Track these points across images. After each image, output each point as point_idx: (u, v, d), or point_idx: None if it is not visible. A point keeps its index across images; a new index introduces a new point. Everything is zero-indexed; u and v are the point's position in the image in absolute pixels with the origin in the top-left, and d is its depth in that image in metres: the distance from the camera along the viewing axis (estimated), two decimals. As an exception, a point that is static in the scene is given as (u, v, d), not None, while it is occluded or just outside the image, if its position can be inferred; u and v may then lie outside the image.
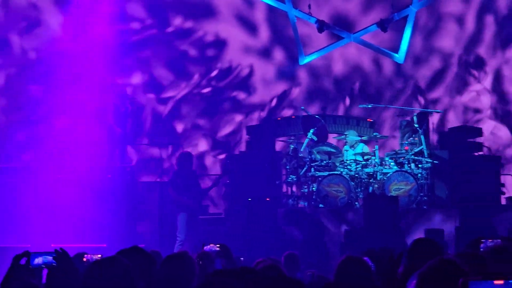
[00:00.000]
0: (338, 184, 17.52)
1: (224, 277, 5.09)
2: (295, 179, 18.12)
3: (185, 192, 16.33)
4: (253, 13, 22.30)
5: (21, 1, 21.13)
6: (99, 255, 7.81)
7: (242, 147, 20.37)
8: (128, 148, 19.50)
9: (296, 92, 22.31)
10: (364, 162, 17.94)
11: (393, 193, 17.28)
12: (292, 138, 18.63)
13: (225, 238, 15.78)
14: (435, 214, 17.34)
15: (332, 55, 22.43)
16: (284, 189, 18.58)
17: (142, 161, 20.90)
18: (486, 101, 22.27)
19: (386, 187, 17.45)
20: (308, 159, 17.97)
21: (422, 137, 18.05)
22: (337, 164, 18.01)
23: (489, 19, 22.27)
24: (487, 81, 22.28)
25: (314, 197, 17.63)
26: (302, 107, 19.71)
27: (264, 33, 22.38)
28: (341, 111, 22.02)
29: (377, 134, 19.09)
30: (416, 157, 17.95)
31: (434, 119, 20.94)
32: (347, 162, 17.94)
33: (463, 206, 17.22)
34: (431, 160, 18.01)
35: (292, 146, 18.32)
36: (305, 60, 22.17)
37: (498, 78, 22.33)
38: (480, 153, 18.67)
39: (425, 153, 18.01)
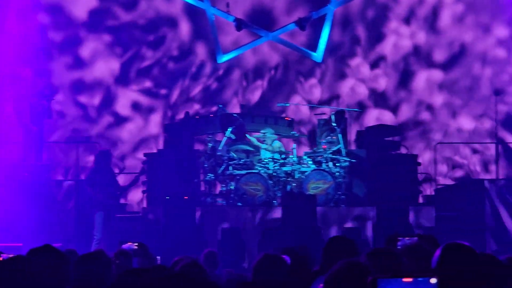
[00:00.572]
0: (256, 182, 17.59)
1: (137, 276, 5.13)
2: (213, 177, 18.12)
3: (102, 190, 16.25)
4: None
5: None
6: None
7: (161, 145, 20.28)
8: (44, 146, 19.27)
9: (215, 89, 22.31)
10: (282, 161, 18.05)
11: (311, 192, 17.40)
12: (210, 136, 18.60)
13: (143, 237, 15.74)
14: (353, 212, 17.53)
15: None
16: (203, 187, 18.54)
17: (59, 159, 20.69)
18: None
19: (304, 185, 17.56)
20: (226, 158, 18.02)
21: (339, 135, 18.21)
22: (255, 162, 18.08)
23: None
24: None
25: (232, 195, 17.68)
26: (220, 105, 19.72)
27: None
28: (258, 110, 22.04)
29: (295, 133, 19.22)
30: (334, 156, 18.09)
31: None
32: (265, 160, 18.02)
33: (380, 204, 17.38)
34: (348, 159, 18.17)
35: (211, 144, 18.30)
36: (224, 58, 22.14)
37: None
38: (398, 151, 18.88)
39: (343, 152, 18.17)
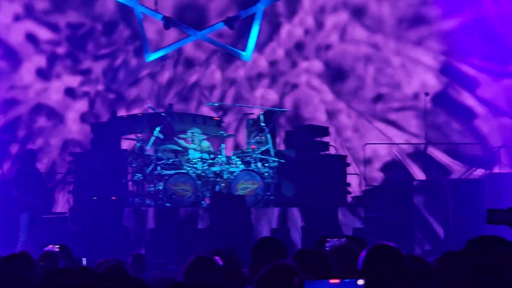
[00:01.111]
0: (185, 183, 17.56)
1: (61, 276, 5.14)
2: (141, 177, 18.00)
3: (28, 191, 16.12)
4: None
5: None
6: None
7: (87, 145, 20.14)
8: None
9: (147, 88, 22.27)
10: (211, 161, 18.05)
11: (240, 192, 17.45)
12: (138, 136, 18.54)
13: (69, 238, 15.69)
14: (282, 213, 17.60)
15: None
16: (131, 187, 18.44)
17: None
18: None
19: (233, 186, 17.59)
20: (154, 157, 17.95)
21: (268, 136, 18.24)
22: (184, 162, 18.06)
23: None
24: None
25: (160, 195, 17.61)
26: (149, 104, 19.66)
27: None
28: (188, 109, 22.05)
29: (224, 132, 19.22)
30: (262, 156, 18.13)
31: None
32: (194, 160, 18.01)
33: (309, 205, 17.49)
34: (277, 159, 18.26)
35: (138, 144, 18.23)
36: (152, 57, 22.09)
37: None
38: (327, 152, 19.00)
39: (272, 152, 18.23)
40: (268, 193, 17.95)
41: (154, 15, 21.73)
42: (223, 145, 18.35)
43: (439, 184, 18.82)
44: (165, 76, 22.36)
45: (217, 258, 6.03)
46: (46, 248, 8.84)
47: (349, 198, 19.05)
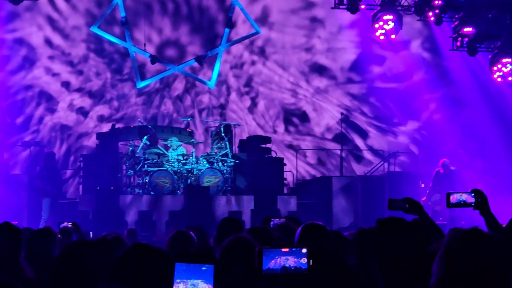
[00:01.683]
0: (165, 177, 17.50)
1: (82, 246, 5.05)
2: (132, 173, 17.98)
3: (49, 182, 15.96)
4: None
5: None
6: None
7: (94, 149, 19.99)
8: (3, 149, 18.83)
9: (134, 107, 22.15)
10: (184, 161, 18.01)
11: (206, 184, 17.40)
12: (130, 142, 18.46)
13: (79, 217, 15.54)
14: (236, 200, 17.57)
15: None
16: (124, 180, 18.35)
17: (15, 158, 20.21)
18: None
19: (200, 179, 17.55)
20: (142, 158, 17.88)
21: (227, 143, 18.27)
22: (164, 162, 17.99)
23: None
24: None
25: (147, 186, 17.56)
26: (139, 119, 19.60)
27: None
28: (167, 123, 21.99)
29: (194, 140, 19.19)
30: (222, 158, 18.14)
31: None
32: (172, 160, 17.95)
33: (256, 194, 17.49)
34: (233, 160, 18.26)
35: (131, 148, 18.18)
36: (141, 84, 22.01)
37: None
38: (269, 155, 19.00)
39: (229, 155, 18.23)
40: (227, 185, 17.93)
41: (143, 54, 21.60)
42: (193, 150, 18.31)
43: (351, 179, 18.89)
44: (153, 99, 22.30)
45: (190, 232, 5.98)
46: (62, 225, 8.71)
47: (285, 189, 19.06)
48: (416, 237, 3.71)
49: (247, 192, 17.94)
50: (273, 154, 19.25)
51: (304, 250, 3.59)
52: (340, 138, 21.11)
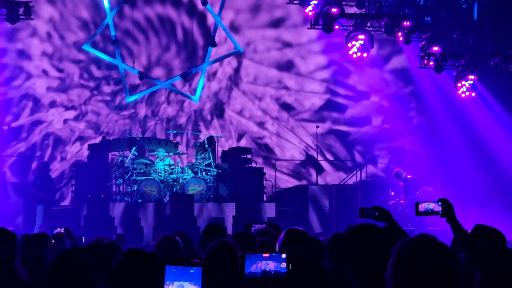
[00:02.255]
0: (152, 185, 17.47)
1: (77, 251, 5.04)
2: (121, 181, 17.92)
3: (43, 190, 15.87)
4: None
5: None
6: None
7: (85, 159, 19.90)
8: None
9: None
10: (170, 170, 17.99)
11: (190, 192, 17.39)
12: (120, 153, 18.41)
13: (71, 223, 15.45)
14: (219, 207, 17.56)
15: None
16: (114, 188, 18.29)
17: (14, 168, 20.08)
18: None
19: (185, 188, 17.54)
20: (131, 168, 17.84)
21: (210, 154, 18.27)
22: (151, 171, 17.96)
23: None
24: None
25: (135, 194, 17.51)
26: (128, 131, 19.56)
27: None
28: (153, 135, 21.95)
29: (179, 151, 19.21)
30: (206, 168, 18.15)
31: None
32: (158, 170, 17.92)
33: (238, 201, 17.49)
34: (216, 170, 18.25)
35: (120, 158, 18.13)
36: (130, 99, 21.98)
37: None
38: (250, 165, 19.03)
39: (212, 165, 18.24)
40: (210, 193, 17.94)
41: (132, 70, 21.60)
42: (178, 160, 18.30)
43: (326, 187, 18.95)
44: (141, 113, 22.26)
45: (176, 237, 5.97)
46: (55, 230, 8.64)
47: (265, 196, 19.07)
48: (387, 243, 3.75)
49: (229, 200, 17.93)
50: (253, 164, 19.28)
51: (283, 256, 3.64)
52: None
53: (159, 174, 17.79)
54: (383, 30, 18.95)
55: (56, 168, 20.82)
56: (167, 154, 18.57)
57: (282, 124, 22.60)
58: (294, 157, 22.49)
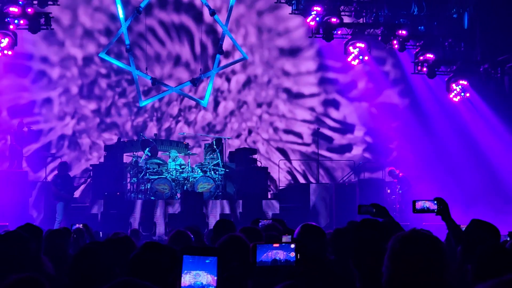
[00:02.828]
0: (164, 184, 17.50)
1: (97, 245, 5.05)
2: (135, 180, 17.94)
3: (63, 188, 15.91)
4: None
5: None
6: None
7: (102, 159, 19.92)
8: (23, 158, 18.68)
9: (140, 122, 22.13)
10: (181, 170, 18.01)
11: (200, 190, 17.41)
12: (134, 153, 18.43)
13: (90, 219, 15.49)
14: (227, 204, 17.57)
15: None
16: (129, 187, 18.30)
17: (33, 167, 20.09)
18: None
19: (195, 186, 17.57)
20: (144, 167, 17.87)
21: (218, 154, 18.28)
22: (164, 171, 17.99)
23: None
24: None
25: (148, 192, 17.53)
26: (141, 133, 19.59)
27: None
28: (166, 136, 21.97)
29: (190, 152, 19.23)
30: (214, 167, 18.16)
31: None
32: (170, 169, 17.95)
33: (244, 199, 17.49)
34: (224, 169, 18.27)
35: (134, 158, 18.15)
36: (143, 103, 22.00)
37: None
38: (255, 165, 19.04)
39: (220, 165, 18.25)
40: (218, 191, 17.94)
41: (145, 76, 21.63)
42: (189, 160, 18.32)
43: (326, 186, 18.94)
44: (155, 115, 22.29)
45: (188, 231, 6.00)
46: (75, 226, 8.70)
47: (269, 194, 19.07)
48: (386, 237, 3.77)
49: (236, 197, 17.94)
50: (259, 164, 19.30)
51: (292, 246, 3.68)
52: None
53: (171, 173, 17.82)
54: (380, 38, 18.99)
55: (74, 168, 20.83)
56: (178, 154, 18.61)
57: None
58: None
